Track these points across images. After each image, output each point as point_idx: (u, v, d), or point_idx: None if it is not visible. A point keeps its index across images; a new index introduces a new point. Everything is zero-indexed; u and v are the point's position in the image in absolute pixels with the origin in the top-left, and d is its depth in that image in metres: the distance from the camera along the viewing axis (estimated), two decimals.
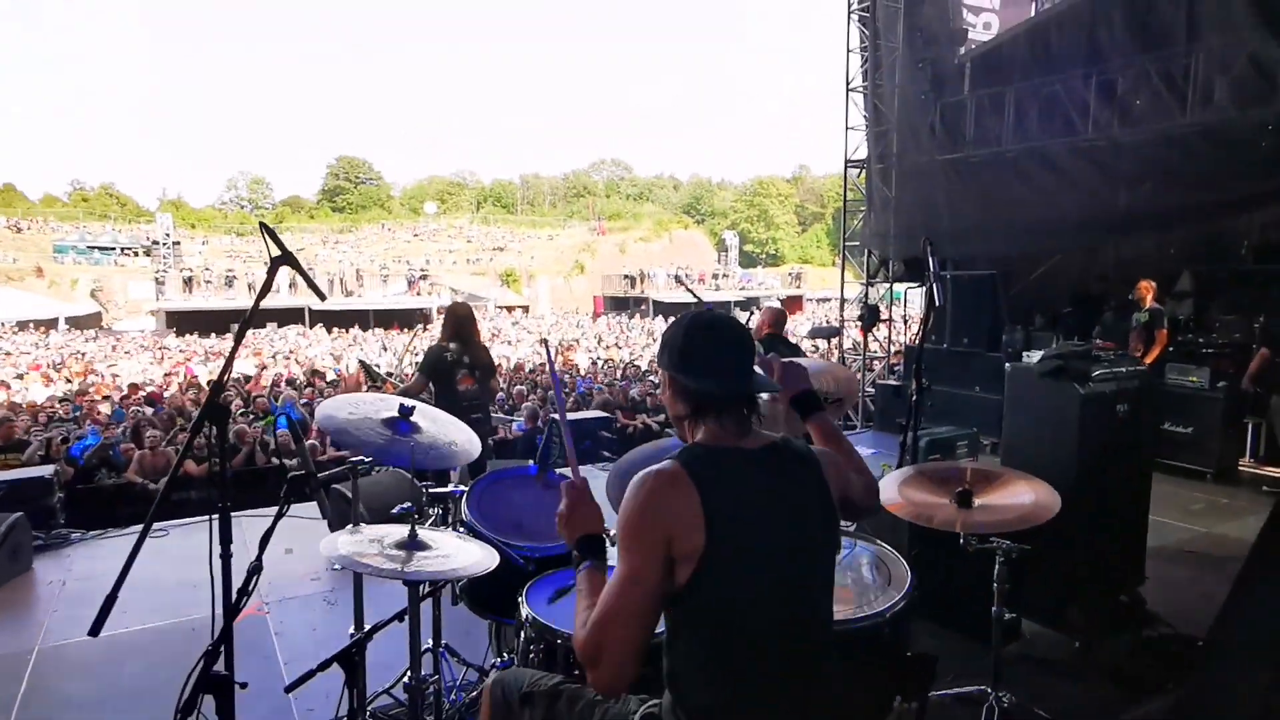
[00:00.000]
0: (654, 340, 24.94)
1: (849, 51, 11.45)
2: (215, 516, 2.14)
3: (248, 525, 3.10)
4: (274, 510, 2.12)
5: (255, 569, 1.96)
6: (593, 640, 1.43)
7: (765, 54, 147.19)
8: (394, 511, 2.51)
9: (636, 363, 16.34)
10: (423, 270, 38.38)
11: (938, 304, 3.04)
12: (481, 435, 3.32)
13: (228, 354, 2.18)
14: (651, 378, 13.73)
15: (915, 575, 2.18)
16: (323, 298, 2.49)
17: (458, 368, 4.87)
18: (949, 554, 2.58)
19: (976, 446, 5.37)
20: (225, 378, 2.19)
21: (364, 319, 31.09)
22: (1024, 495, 2.30)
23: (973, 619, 3.02)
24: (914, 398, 3.20)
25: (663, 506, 1.45)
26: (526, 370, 15.33)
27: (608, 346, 22.46)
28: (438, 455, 2.41)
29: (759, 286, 43.55)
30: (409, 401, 2.49)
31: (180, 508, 7.27)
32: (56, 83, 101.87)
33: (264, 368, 16.60)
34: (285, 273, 2.24)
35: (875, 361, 12.38)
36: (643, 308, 37.69)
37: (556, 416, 9.23)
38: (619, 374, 14.67)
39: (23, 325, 26.76)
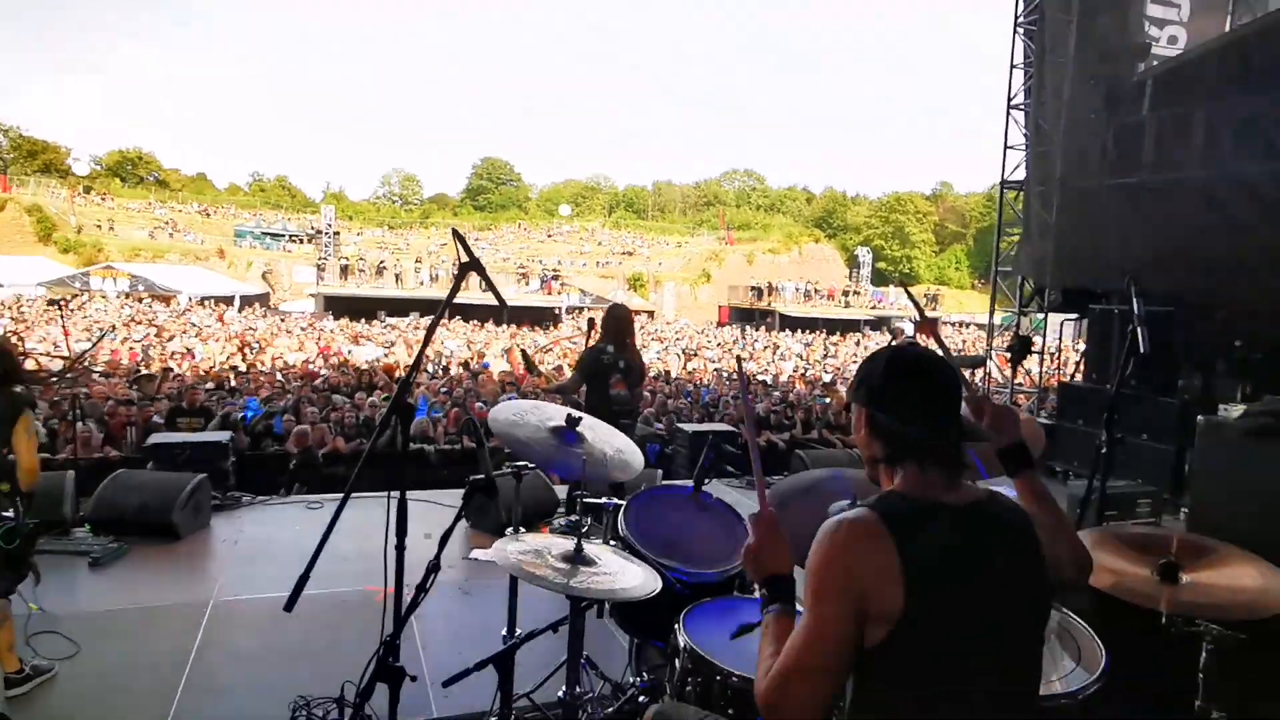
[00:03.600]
0: (778, 355, 24.57)
1: (1012, 67, 10.90)
2: (394, 504, 2.24)
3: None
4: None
5: (433, 568, 2.04)
6: (775, 692, 1.36)
7: (910, 66, 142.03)
8: (559, 524, 2.55)
9: (763, 377, 16.07)
10: (554, 270, 39.53)
11: (1142, 350, 2.72)
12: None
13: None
14: (776, 393, 13.50)
15: (1110, 655, 1.96)
16: (502, 303, 2.57)
17: (613, 371, 4.87)
18: (1139, 632, 2.30)
19: (1161, 506, 4.83)
20: (413, 377, 2.30)
21: (498, 314, 32.35)
22: (1248, 578, 1.99)
23: (1173, 713, 2.63)
24: (1103, 449, 2.87)
25: (857, 560, 1.35)
26: (650, 376, 15.36)
27: (732, 356, 22.26)
28: (605, 469, 2.42)
29: (891, 306, 42.01)
30: (576, 413, 2.51)
31: (333, 483, 7.84)
32: (244, 81, 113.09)
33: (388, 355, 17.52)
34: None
35: (1020, 396, 11.68)
36: (769, 320, 37.18)
37: (683, 427, 9.23)
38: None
39: (203, 301, 29.59)
